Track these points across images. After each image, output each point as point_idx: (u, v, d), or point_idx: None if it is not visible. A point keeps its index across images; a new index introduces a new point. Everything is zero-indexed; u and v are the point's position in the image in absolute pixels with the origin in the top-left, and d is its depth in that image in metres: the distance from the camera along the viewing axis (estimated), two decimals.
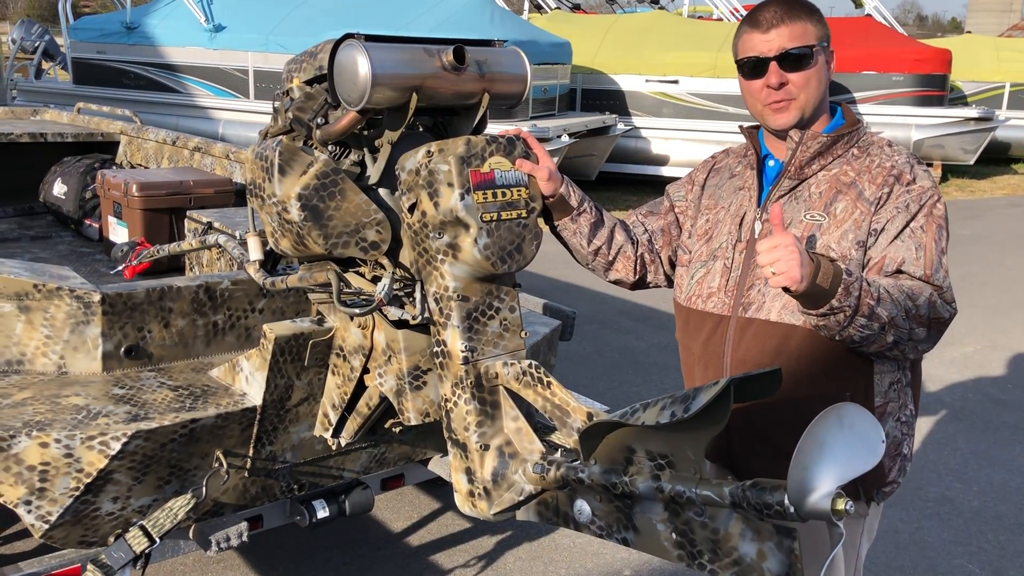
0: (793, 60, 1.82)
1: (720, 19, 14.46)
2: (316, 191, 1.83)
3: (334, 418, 2.19)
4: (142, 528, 2.05)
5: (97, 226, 4.36)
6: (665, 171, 11.76)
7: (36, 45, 13.00)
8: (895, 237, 1.79)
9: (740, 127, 2.03)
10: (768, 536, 1.46)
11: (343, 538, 3.35)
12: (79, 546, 2.12)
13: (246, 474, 2.22)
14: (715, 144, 11.27)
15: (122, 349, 2.26)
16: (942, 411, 4.86)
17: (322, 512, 2.42)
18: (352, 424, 2.18)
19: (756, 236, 1.88)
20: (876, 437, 1.41)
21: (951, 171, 14.65)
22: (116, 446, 1.95)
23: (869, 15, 16.73)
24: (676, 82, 11.60)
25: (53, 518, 1.98)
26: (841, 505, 1.33)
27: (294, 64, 2.09)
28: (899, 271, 1.77)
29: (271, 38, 10.08)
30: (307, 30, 10.06)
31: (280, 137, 1.92)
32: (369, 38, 1.80)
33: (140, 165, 5.13)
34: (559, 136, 9.43)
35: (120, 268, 2.75)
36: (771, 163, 1.95)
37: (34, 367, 2.22)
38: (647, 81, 11.73)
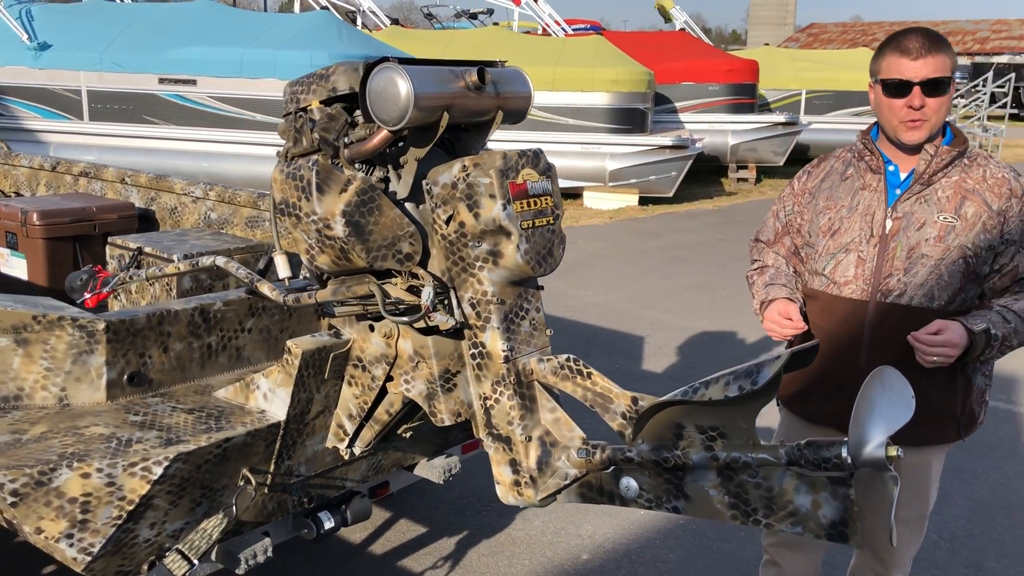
0: (934, 87, 2.16)
1: (549, 34, 15.01)
2: (357, 207, 1.91)
3: (351, 428, 2.26)
4: (179, 552, 2.04)
5: None
6: None
7: None
8: (1021, 247, 2.23)
9: (860, 135, 2.35)
10: (822, 487, 1.67)
11: (308, 554, 3.34)
12: None
13: (266, 490, 2.24)
14: (552, 155, 11.71)
15: (125, 376, 2.22)
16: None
17: (328, 523, 2.46)
18: (368, 433, 2.25)
19: (887, 232, 2.26)
20: (908, 394, 1.67)
21: (764, 172, 15.84)
22: (158, 470, 1.94)
23: (683, 29, 17.85)
24: None
25: (96, 549, 1.94)
26: (893, 452, 1.58)
27: (300, 86, 2.14)
28: None
29: (105, 56, 9.61)
30: (144, 47, 9.67)
31: (314, 156, 1.99)
32: (400, 62, 1.91)
33: (14, 193, 4.85)
34: None
35: (86, 297, 2.66)
36: (891, 168, 2.31)
37: (33, 401, 2.15)
38: None
